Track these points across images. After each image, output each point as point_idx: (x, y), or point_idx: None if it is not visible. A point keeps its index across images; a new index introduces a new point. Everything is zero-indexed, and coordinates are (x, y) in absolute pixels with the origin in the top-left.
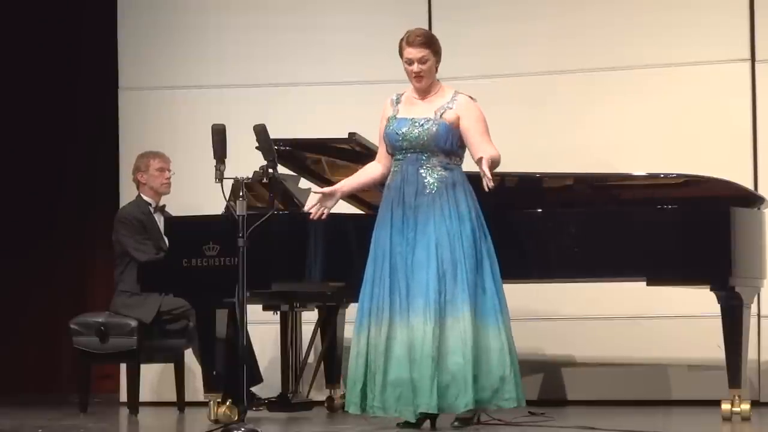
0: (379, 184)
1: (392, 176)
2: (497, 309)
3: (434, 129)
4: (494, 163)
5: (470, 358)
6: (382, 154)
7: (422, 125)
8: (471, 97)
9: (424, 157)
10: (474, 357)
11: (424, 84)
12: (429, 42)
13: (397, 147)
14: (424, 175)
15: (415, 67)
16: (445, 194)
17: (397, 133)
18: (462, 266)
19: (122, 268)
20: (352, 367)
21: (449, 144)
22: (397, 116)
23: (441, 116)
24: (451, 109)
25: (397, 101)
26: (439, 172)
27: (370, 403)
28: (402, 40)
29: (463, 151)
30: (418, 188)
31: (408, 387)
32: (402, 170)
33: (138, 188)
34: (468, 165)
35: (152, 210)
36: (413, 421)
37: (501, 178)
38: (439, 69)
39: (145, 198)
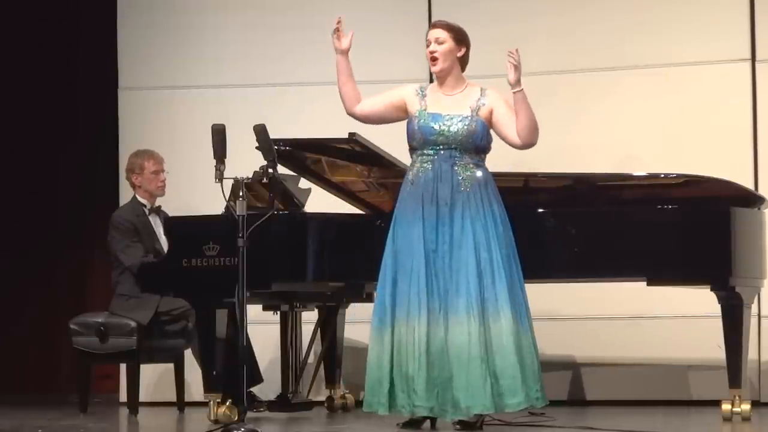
0: (343, 100)
1: (420, 172)
2: (525, 309)
3: (473, 126)
4: (531, 112)
5: (514, 357)
6: (372, 99)
7: (460, 121)
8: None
9: (457, 154)
10: (518, 356)
11: (439, 68)
12: (451, 27)
13: (431, 141)
14: (458, 172)
15: (431, 46)
16: (479, 192)
17: (432, 127)
18: (498, 266)
19: (120, 269)
20: (374, 366)
21: (484, 141)
22: (428, 110)
23: (477, 113)
24: (484, 105)
25: (423, 95)
26: (471, 170)
27: (402, 403)
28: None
29: (490, 149)
30: (453, 185)
31: (443, 387)
32: (434, 167)
33: (134, 189)
34: (492, 163)
35: (147, 212)
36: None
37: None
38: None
39: (140, 199)
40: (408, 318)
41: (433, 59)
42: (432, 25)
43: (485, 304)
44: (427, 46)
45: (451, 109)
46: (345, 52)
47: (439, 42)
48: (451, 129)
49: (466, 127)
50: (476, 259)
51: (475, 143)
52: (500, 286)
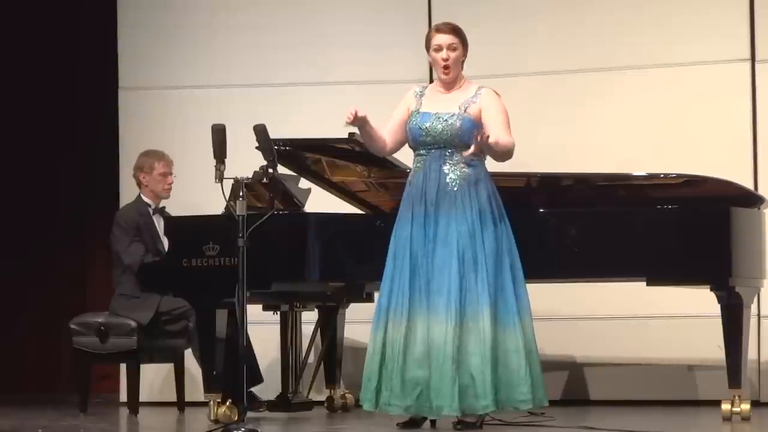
0: (377, 153)
1: (415, 172)
2: (516, 309)
3: (458, 124)
4: (503, 149)
5: (489, 359)
6: (389, 129)
7: (446, 120)
8: (495, 92)
9: (447, 153)
10: (493, 358)
11: (452, 76)
12: (458, 31)
13: (420, 142)
14: (446, 171)
15: (444, 53)
16: (467, 192)
17: (420, 128)
18: (483, 266)
19: (122, 268)
20: (367, 363)
21: (473, 139)
22: (421, 110)
23: (465, 110)
24: (475, 103)
25: (421, 95)
26: (462, 169)
27: (385, 401)
28: (430, 31)
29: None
30: (440, 185)
31: (427, 386)
32: (425, 167)
33: (139, 187)
34: (492, 164)
35: (151, 212)
36: (435, 418)
37: (500, 179)
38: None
39: (145, 199)
40: (395, 318)
41: (446, 66)
42: (438, 29)
43: (465, 304)
44: (437, 50)
45: (444, 107)
46: (364, 124)
47: (452, 48)
48: (437, 128)
49: (450, 125)
50: (459, 258)
51: (463, 141)
52: (482, 287)
